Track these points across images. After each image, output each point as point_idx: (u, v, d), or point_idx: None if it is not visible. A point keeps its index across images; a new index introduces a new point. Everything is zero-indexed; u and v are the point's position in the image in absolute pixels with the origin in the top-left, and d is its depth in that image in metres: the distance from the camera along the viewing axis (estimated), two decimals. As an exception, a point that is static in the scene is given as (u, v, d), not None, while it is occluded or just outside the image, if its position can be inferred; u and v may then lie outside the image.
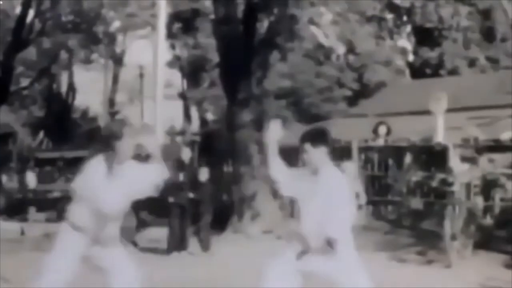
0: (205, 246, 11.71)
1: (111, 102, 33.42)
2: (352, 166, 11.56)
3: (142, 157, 5.51)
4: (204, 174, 11.86)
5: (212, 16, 17.29)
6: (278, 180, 5.33)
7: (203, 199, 11.72)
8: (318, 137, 5.22)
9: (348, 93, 30.07)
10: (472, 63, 29.09)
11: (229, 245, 12.42)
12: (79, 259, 5.29)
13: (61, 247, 5.29)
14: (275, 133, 5.29)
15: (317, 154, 5.12)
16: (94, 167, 5.23)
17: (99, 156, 5.28)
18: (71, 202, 5.38)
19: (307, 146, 5.14)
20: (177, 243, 11.60)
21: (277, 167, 5.30)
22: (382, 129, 14.57)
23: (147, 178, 5.32)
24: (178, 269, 10.03)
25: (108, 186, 5.10)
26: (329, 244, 4.96)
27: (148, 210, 13.95)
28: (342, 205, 5.02)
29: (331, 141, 5.32)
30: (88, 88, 32.36)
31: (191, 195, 11.62)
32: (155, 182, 5.36)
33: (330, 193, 4.98)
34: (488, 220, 11.88)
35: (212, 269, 10.00)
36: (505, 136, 12.74)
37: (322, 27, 30.08)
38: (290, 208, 15.82)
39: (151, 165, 5.35)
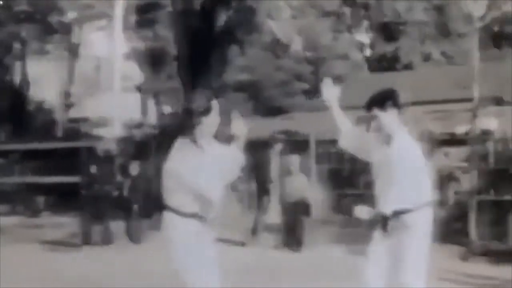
0: (135, 239, 11.66)
1: (67, 94, 32.85)
2: (296, 159, 11.60)
3: (224, 139, 5.03)
4: (134, 168, 11.84)
5: (170, 9, 17.14)
6: (346, 144, 4.97)
7: (131, 192, 11.69)
8: (387, 99, 4.74)
9: (306, 86, 30.18)
10: (427, 57, 29.50)
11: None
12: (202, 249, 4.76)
13: (179, 243, 4.80)
14: (332, 91, 4.93)
15: (388, 118, 4.65)
16: (184, 145, 4.74)
17: (184, 138, 4.78)
18: (169, 189, 4.82)
19: (376, 111, 4.69)
20: (88, 236, 11.56)
21: (346, 130, 4.91)
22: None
23: (234, 159, 4.85)
24: (102, 263, 10.00)
25: (204, 168, 4.63)
26: (396, 217, 4.56)
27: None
28: (418, 177, 4.60)
29: (402, 102, 4.80)
30: (43, 79, 31.77)
31: (110, 187, 11.63)
32: (239, 164, 4.89)
33: (405, 164, 4.54)
34: (443, 213, 12.05)
35: (138, 262, 9.93)
36: (460, 130, 12.93)
37: (280, 21, 30.09)
38: (248, 201, 15.84)
39: (234, 147, 4.86)
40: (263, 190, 11.77)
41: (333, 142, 16.01)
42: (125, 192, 11.66)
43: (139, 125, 22.59)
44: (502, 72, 17.40)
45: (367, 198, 5.01)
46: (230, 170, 4.87)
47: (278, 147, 12.09)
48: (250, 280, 7.81)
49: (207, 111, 4.74)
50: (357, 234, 12.06)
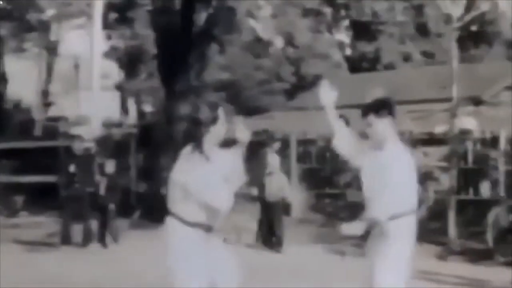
0: (114, 238, 11.61)
1: (45, 93, 32.56)
2: (276, 159, 11.58)
3: (225, 143, 5.12)
4: (110, 166, 11.80)
5: (149, 7, 17.05)
6: (341, 148, 5.02)
7: (107, 191, 11.64)
8: (382, 107, 4.87)
9: (287, 86, 30.22)
10: (407, 57, 29.67)
11: (161, 238, 12.29)
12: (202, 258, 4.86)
13: (180, 253, 4.92)
14: (329, 94, 5.01)
15: (382, 126, 4.79)
16: (191, 160, 4.82)
17: (190, 147, 4.88)
18: (174, 196, 4.97)
19: (371, 118, 4.82)
20: (67, 236, 11.51)
21: (341, 133, 4.98)
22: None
23: (236, 165, 4.94)
24: (82, 263, 9.94)
25: (212, 179, 4.74)
26: (378, 225, 4.67)
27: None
28: (406, 184, 4.70)
29: (396, 112, 4.90)
30: (21, 78, 31.43)
31: (89, 187, 11.61)
32: (241, 170, 4.99)
33: (394, 171, 4.64)
34: (423, 212, 12.10)
35: (116, 262, 9.89)
36: (439, 129, 13.01)
37: (261, 20, 30.10)
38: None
39: (236, 151, 4.96)
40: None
41: (313, 141, 16.00)
42: (101, 191, 11.59)
43: (119, 124, 22.46)
44: (481, 72, 17.54)
45: (353, 212, 5.03)
46: (236, 177, 4.96)
47: (276, 146, 12.06)
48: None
49: (214, 120, 4.86)
50: (335, 234, 12.12)
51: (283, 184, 11.45)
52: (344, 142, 5.03)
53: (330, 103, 5.02)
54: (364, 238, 4.89)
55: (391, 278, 4.79)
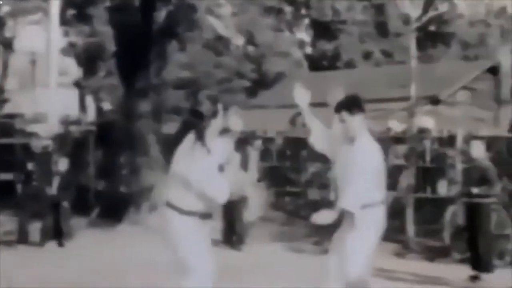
0: (67, 236, 11.49)
1: (0, 90, 31.97)
2: (236, 157, 11.58)
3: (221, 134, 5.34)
4: (63, 164, 11.67)
5: (108, 4, 16.85)
6: (317, 146, 5.32)
7: (61, 189, 11.51)
8: (354, 104, 5.24)
9: (247, 84, 30.21)
10: (367, 56, 29.92)
11: (123, 236, 12.20)
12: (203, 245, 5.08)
13: (181, 240, 5.01)
14: (303, 95, 5.28)
15: (355, 122, 5.11)
16: (192, 152, 5.01)
17: (190, 136, 5.07)
18: (172, 187, 5.11)
19: (345, 115, 5.13)
20: (24, 235, 11.36)
21: (317, 131, 5.26)
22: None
23: (231, 152, 5.32)
24: (39, 261, 9.84)
25: (214, 170, 4.97)
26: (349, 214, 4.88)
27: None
28: (375, 176, 4.97)
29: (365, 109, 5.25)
30: (-25, 74, 30.78)
31: (46, 185, 11.47)
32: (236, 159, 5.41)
33: (364, 163, 4.92)
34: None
35: (69, 262, 9.79)
36: (394, 125, 13.12)
37: (221, 18, 30.02)
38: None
39: (226, 139, 5.27)
40: None
41: (274, 140, 15.99)
42: (54, 190, 11.45)
43: (77, 122, 22.15)
44: (438, 72, 17.79)
45: (313, 210, 5.27)
46: (232, 166, 5.39)
47: (258, 144, 12.06)
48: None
49: (215, 113, 5.11)
50: (296, 232, 12.15)
51: (243, 182, 11.46)
52: (320, 140, 5.33)
53: (304, 104, 5.33)
54: (334, 227, 5.13)
55: (361, 266, 5.05)
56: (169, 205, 5.11)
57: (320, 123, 5.35)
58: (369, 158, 4.99)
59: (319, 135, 5.33)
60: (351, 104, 5.22)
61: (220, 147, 5.14)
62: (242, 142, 11.36)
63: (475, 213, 8.59)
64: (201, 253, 5.10)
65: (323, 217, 5.08)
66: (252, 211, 6.56)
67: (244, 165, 12.53)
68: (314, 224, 5.18)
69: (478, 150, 8.76)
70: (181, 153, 5.07)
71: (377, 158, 5.07)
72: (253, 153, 11.63)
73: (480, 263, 8.63)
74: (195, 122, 5.14)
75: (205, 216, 5.11)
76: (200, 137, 5.02)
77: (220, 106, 5.17)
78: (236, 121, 5.42)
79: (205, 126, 5.06)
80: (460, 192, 9.93)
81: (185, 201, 5.03)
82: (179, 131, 5.35)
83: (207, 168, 4.96)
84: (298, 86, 5.35)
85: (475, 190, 8.50)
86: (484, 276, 8.52)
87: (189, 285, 5.06)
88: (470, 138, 11.64)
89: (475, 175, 8.62)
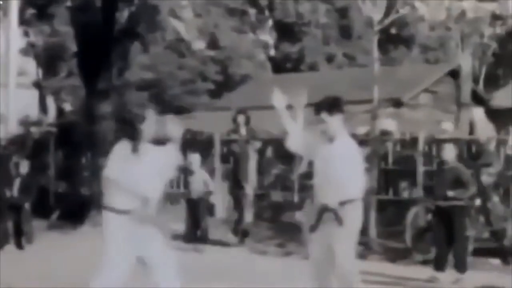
0: (28, 239, 11.32)
1: (-41, 90, 31.34)
2: (196, 158, 11.62)
3: (159, 141, 5.58)
4: (24, 166, 11.52)
5: (69, 3, 16.63)
6: (294, 147, 5.51)
7: (21, 191, 11.35)
8: (334, 105, 5.39)
9: (211, 86, 30.13)
10: (330, 59, 30.11)
11: (84, 238, 12.03)
12: (133, 248, 5.31)
13: (112, 238, 5.36)
14: (281, 99, 5.47)
15: (334, 122, 5.29)
16: (121, 151, 5.34)
17: (124, 140, 5.38)
18: (106, 188, 5.48)
19: (324, 115, 5.30)
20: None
21: (294, 134, 5.43)
22: (241, 118, 14.69)
23: (169, 160, 5.47)
24: None
25: (142, 172, 5.25)
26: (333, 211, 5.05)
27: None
28: (355, 173, 5.16)
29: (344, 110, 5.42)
30: None
31: (5, 187, 11.31)
32: (174, 164, 5.57)
33: (344, 161, 5.10)
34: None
35: (28, 265, 9.63)
36: (360, 130, 13.21)
37: (184, 20, 29.90)
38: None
39: (169, 147, 5.47)
40: (238, 188, 11.68)
41: (237, 141, 15.97)
42: (14, 192, 11.25)
43: (37, 123, 21.82)
44: (400, 75, 17.97)
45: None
46: (167, 169, 5.51)
47: (257, 145, 12.05)
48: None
49: (142, 119, 5.39)
50: (259, 234, 12.13)
51: (205, 181, 11.50)
52: (297, 142, 5.51)
53: (282, 107, 5.52)
54: (316, 224, 5.25)
55: (352, 259, 5.31)
56: (106, 208, 5.49)
57: (296, 125, 5.51)
58: (349, 156, 5.19)
59: (296, 137, 5.49)
60: (331, 105, 5.38)
61: (155, 152, 5.37)
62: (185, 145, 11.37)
63: (450, 216, 8.57)
64: (121, 252, 5.33)
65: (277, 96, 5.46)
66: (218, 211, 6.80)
67: (207, 166, 12.52)
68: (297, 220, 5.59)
69: (450, 153, 8.79)
70: (113, 158, 5.38)
71: (356, 156, 5.29)
72: (195, 155, 11.70)
73: (444, 264, 8.65)
74: (126, 129, 5.45)
75: (141, 215, 5.31)
76: (130, 142, 5.32)
77: (150, 113, 5.46)
78: (174, 127, 5.48)
79: (136, 133, 5.34)
80: (421, 194, 10.01)
81: (120, 202, 5.35)
82: (113, 138, 5.66)
83: (138, 172, 5.24)
84: (276, 91, 5.55)
85: (450, 193, 8.49)
86: (459, 276, 8.56)
87: (98, 283, 5.38)
88: (432, 140, 11.78)
89: (449, 178, 8.61)
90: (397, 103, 16.97)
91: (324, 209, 5.17)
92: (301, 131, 5.52)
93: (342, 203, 5.12)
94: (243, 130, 14.73)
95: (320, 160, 5.33)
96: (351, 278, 5.32)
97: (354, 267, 5.37)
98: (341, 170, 5.11)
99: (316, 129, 5.41)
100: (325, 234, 5.27)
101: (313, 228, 5.31)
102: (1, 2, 23.96)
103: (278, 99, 5.53)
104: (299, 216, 5.09)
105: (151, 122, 5.43)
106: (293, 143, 5.54)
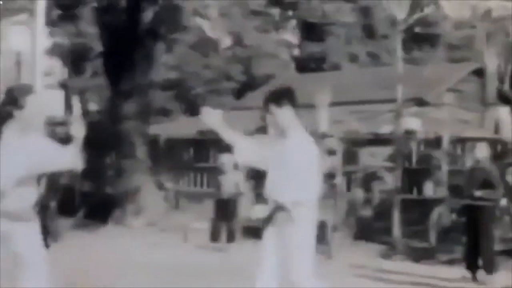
0: (54, 238, 11.44)
1: (-14, 91, 31.78)
2: (229, 159, 11.58)
3: (62, 139, 5.29)
4: None
5: (95, 4, 16.78)
6: (245, 160, 5.08)
7: (47, 190, 11.47)
8: (282, 96, 4.91)
9: (235, 85, 30.18)
10: (353, 58, 29.98)
11: (108, 237, 12.15)
12: None
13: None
14: (213, 116, 4.96)
15: (283, 115, 4.83)
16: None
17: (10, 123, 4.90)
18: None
19: (272, 108, 4.86)
20: None
21: (240, 147, 4.98)
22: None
23: (54, 157, 5.08)
24: None
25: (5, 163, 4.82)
26: (285, 210, 4.72)
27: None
28: (310, 171, 4.74)
29: (297, 100, 4.93)
30: (-40, 75, 30.58)
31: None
32: (67, 166, 5.19)
33: (298, 158, 4.71)
34: (368, 212, 12.23)
35: (54, 263, 9.70)
36: (384, 130, 13.16)
37: (208, 19, 30.00)
38: (175, 200, 15.69)
39: (66, 147, 5.07)
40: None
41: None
42: (42, 190, 11.38)
43: (63, 123, 22.01)
44: (424, 74, 17.83)
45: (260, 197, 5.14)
46: (42, 163, 5.07)
47: None
48: (179, 280, 7.71)
49: (13, 102, 4.90)
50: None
51: (238, 182, 11.45)
52: (246, 154, 5.03)
53: (218, 124, 4.98)
54: (267, 222, 4.88)
55: (301, 273, 4.82)
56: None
57: (241, 137, 5.05)
58: (303, 153, 4.76)
59: (243, 150, 5.01)
60: (279, 95, 4.90)
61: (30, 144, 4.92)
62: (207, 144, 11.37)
63: (478, 216, 8.46)
64: (37, 249, 5.20)
65: (261, 210, 4.95)
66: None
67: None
68: (256, 218, 5.04)
69: (482, 152, 8.67)
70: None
71: (311, 153, 4.83)
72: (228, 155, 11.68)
73: (476, 264, 8.55)
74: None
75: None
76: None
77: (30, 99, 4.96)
78: (78, 127, 5.06)
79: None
80: (446, 194, 9.96)
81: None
82: None
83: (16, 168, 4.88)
84: (206, 109, 5.01)
85: (478, 193, 8.37)
86: (486, 277, 8.48)
87: (24, 282, 5.13)
88: (456, 140, 11.69)
89: (478, 178, 8.48)
90: (421, 102, 16.82)
91: (277, 207, 4.77)
92: (248, 141, 5.05)
93: (295, 203, 4.70)
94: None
95: (272, 157, 4.88)
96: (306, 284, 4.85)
97: (309, 274, 4.85)
98: (294, 167, 4.69)
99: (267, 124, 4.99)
100: (279, 234, 4.86)
101: (265, 225, 4.90)
102: (1, 2, 24.21)
103: (209, 116, 4.99)
104: None
105: (33, 111, 4.97)
106: (241, 157, 5.06)
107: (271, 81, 26.50)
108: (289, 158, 4.73)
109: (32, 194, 5.32)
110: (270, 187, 4.86)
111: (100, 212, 13.46)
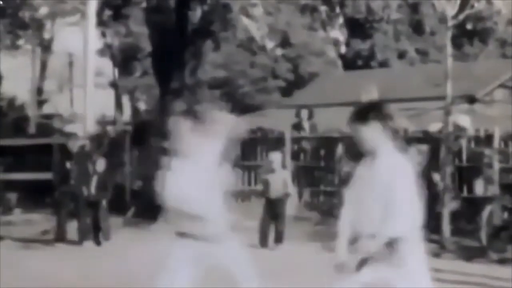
0: (105, 235, 11.64)
1: (39, 90, 32.50)
2: (278, 157, 11.58)
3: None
4: (101, 164, 11.84)
5: (144, 4, 17.04)
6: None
7: (98, 188, 11.67)
8: (368, 112, 4.18)
9: (282, 83, 30.22)
10: (402, 55, 29.70)
11: (157, 235, 12.29)
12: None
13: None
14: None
15: (370, 133, 4.13)
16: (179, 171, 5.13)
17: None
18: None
19: (358, 126, 4.17)
20: (62, 234, 11.66)
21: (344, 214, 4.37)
22: (304, 113, 14.79)
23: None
24: (76, 260, 10.02)
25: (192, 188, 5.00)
26: (391, 246, 4.04)
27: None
28: (406, 197, 4.02)
29: (388, 116, 4.19)
30: (15, 75, 31.35)
31: (84, 184, 11.68)
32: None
33: (391, 182, 4.01)
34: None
35: (106, 261, 9.88)
36: (433, 127, 13.01)
37: (256, 18, 30.09)
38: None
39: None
40: None
41: (308, 139, 15.98)
42: (92, 189, 11.62)
43: (113, 122, 22.43)
44: (475, 70, 17.56)
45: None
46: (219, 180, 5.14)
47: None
48: (230, 278, 7.78)
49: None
50: (330, 231, 12.13)
51: (286, 180, 11.43)
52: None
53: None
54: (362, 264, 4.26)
55: None
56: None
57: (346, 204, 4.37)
58: (400, 177, 4.07)
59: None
60: (364, 112, 4.21)
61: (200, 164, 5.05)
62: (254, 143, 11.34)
63: None
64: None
65: (370, 245, 4.11)
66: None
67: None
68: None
69: None
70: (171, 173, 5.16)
71: (409, 175, 4.12)
72: (276, 153, 11.71)
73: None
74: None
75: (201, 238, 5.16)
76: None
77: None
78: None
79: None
80: (497, 192, 9.80)
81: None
82: None
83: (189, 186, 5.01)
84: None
85: None
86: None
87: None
88: (507, 137, 11.49)
89: None
90: (471, 99, 16.59)
91: (391, 243, 4.06)
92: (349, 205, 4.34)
93: (402, 237, 4.05)
94: (306, 125, 14.79)
95: (361, 183, 4.21)
96: None
97: None
98: (395, 196, 3.98)
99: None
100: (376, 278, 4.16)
101: (359, 267, 4.21)
102: (1, 3, 24.68)
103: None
104: None
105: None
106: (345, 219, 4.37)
107: (317, 79, 26.47)
108: (385, 184, 4.06)
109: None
110: (365, 220, 4.13)
111: (149, 210, 13.65)
